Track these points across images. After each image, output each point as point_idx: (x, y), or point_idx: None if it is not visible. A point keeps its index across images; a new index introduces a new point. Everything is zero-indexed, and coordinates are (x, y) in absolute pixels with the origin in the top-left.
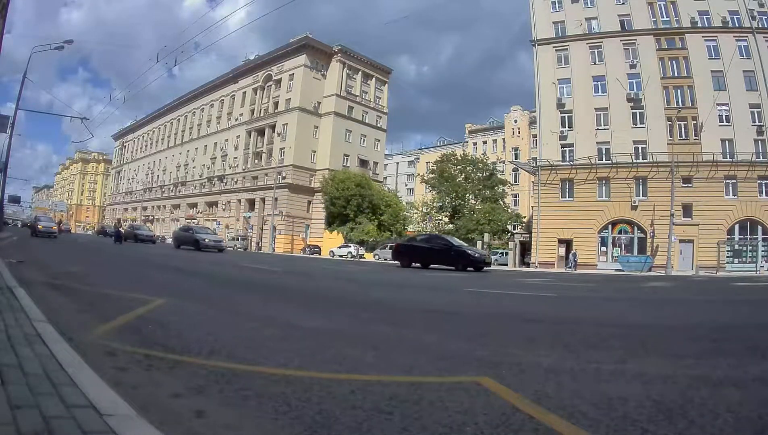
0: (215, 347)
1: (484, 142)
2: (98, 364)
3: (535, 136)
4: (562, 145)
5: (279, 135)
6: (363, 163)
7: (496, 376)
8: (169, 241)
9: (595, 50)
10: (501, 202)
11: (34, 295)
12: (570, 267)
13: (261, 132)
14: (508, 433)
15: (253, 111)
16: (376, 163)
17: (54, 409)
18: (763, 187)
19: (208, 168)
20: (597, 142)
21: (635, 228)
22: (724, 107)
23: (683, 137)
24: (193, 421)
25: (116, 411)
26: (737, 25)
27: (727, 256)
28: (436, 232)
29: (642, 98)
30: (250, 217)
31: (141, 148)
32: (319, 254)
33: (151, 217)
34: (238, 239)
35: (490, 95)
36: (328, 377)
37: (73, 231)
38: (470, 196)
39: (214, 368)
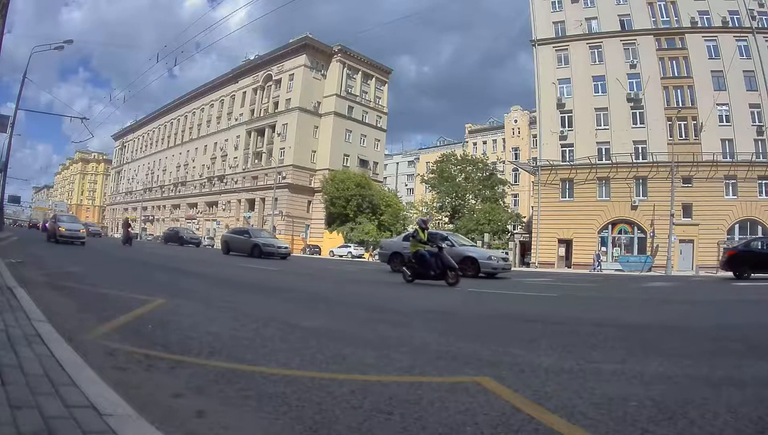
0: (215, 347)
1: (484, 142)
2: (98, 364)
3: (535, 136)
4: (562, 145)
5: (279, 135)
6: (363, 163)
7: (496, 376)
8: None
9: (595, 50)
10: (501, 202)
11: (34, 295)
12: (595, 268)
13: (261, 132)
14: (508, 433)
15: (253, 111)
16: (376, 163)
17: (54, 409)
18: (763, 187)
19: (208, 168)
20: (597, 142)
21: (635, 228)
22: (724, 107)
23: (683, 137)
24: (193, 421)
25: (116, 411)
26: (737, 25)
27: None
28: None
29: (642, 98)
30: (250, 217)
31: (141, 148)
32: (319, 254)
33: (151, 218)
34: None
35: (490, 95)
36: (328, 377)
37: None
38: (470, 196)
39: (214, 368)
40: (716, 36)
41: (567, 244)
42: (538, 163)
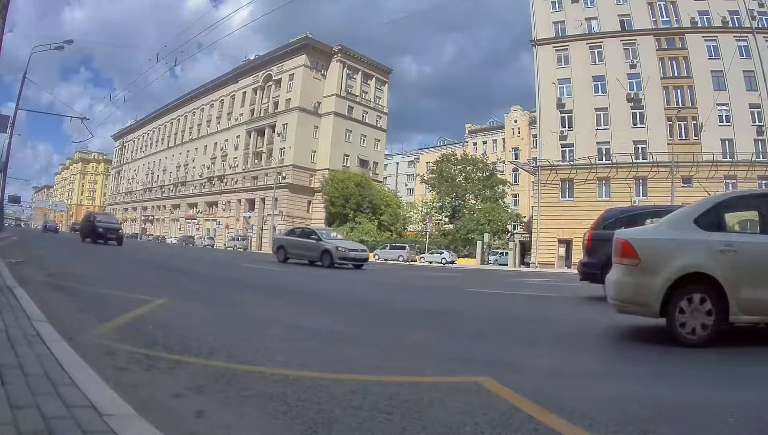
0: (215, 347)
1: (484, 142)
2: (98, 364)
3: (535, 136)
4: (562, 145)
5: (279, 135)
6: (363, 163)
7: (496, 376)
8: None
9: (595, 50)
10: (501, 202)
11: (34, 295)
12: None
13: (261, 132)
14: (508, 433)
15: (253, 111)
16: (376, 163)
17: (54, 409)
18: (763, 187)
19: (208, 168)
20: (597, 142)
21: None
22: (724, 107)
23: (683, 137)
24: (193, 421)
25: (116, 411)
26: (737, 25)
27: None
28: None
29: (642, 98)
30: (250, 217)
31: (141, 148)
32: None
33: (151, 218)
34: (238, 239)
35: (490, 95)
36: (328, 377)
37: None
38: (470, 196)
39: (214, 368)
40: (716, 36)
41: (567, 244)
42: (538, 163)
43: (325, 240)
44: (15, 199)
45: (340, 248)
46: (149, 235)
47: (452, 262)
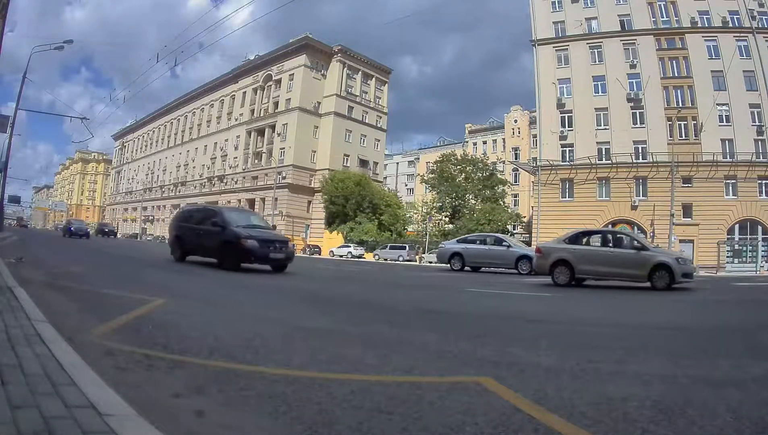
0: (215, 347)
1: (484, 142)
2: (98, 364)
3: (535, 136)
4: (562, 145)
5: (279, 135)
6: (363, 163)
7: (496, 376)
8: None
9: (595, 50)
10: (501, 202)
11: (34, 295)
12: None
13: (261, 132)
14: (508, 433)
15: (253, 111)
16: (376, 163)
17: (54, 409)
18: (763, 187)
19: (208, 168)
20: (597, 142)
21: (635, 228)
22: (724, 107)
23: (683, 137)
24: (193, 421)
25: (116, 411)
26: (737, 25)
27: (727, 256)
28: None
29: (642, 98)
30: None
31: (141, 148)
32: (319, 254)
33: (151, 218)
34: None
35: (490, 95)
36: (328, 377)
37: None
38: (470, 196)
39: (214, 368)
40: (716, 36)
41: None
42: (538, 163)
43: (653, 250)
44: (15, 199)
45: (680, 260)
46: (149, 235)
47: None
